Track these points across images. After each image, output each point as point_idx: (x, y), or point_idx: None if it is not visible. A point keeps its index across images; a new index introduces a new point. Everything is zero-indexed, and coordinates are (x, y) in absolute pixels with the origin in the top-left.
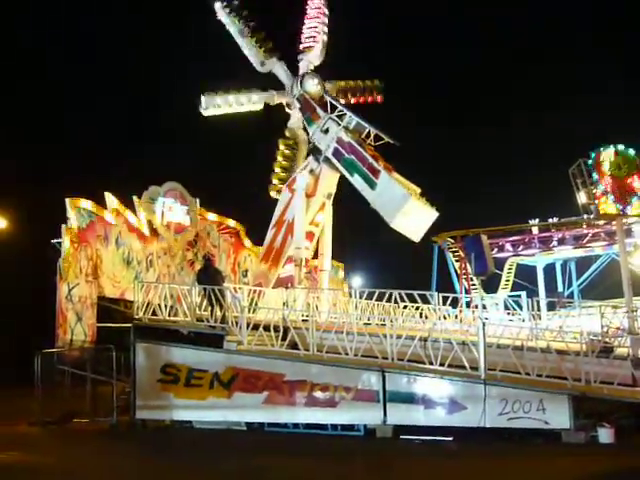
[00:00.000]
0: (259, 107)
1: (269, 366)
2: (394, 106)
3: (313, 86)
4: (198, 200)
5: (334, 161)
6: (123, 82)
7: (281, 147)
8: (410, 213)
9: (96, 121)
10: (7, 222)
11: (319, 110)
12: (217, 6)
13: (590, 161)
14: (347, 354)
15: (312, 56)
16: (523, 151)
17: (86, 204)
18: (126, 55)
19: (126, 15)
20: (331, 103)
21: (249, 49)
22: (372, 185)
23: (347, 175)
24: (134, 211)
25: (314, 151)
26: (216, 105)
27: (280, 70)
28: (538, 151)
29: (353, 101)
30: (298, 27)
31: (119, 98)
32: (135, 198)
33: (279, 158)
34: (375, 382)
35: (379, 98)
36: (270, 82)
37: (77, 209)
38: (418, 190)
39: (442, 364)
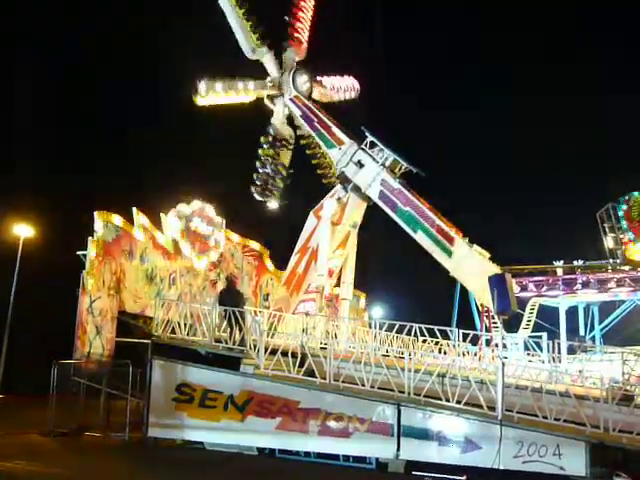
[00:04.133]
0: (253, 97)
1: (284, 392)
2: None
3: (303, 84)
4: (224, 221)
5: (382, 205)
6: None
7: (264, 146)
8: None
9: (125, 135)
10: (35, 231)
11: (339, 133)
12: None
13: (619, 206)
14: (363, 385)
15: (299, 50)
16: (552, 191)
17: (114, 218)
18: None
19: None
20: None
21: (242, 33)
22: (447, 252)
23: (407, 229)
24: (161, 228)
25: (342, 179)
26: (214, 91)
27: (269, 61)
28: (567, 192)
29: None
30: (283, 16)
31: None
32: (162, 215)
33: (262, 157)
34: (390, 415)
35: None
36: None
37: (105, 222)
38: (487, 255)
39: (459, 402)
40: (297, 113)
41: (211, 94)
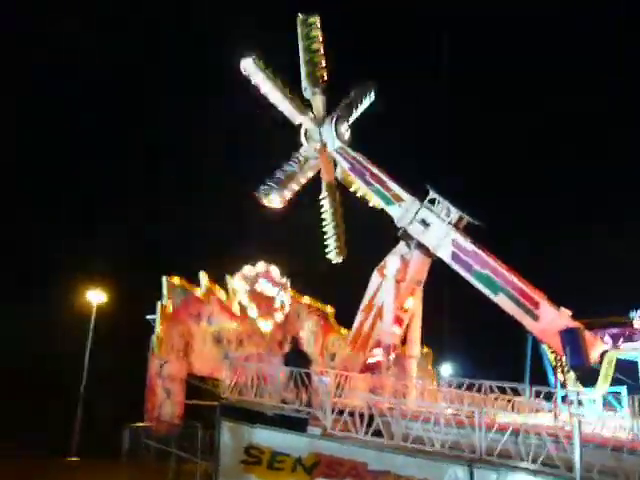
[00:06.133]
0: (288, 110)
1: (352, 453)
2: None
3: (345, 132)
4: (289, 281)
5: (456, 267)
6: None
7: (323, 204)
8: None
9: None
10: (107, 297)
11: (397, 189)
12: (299, 19)
13: None
14: (433, 445)
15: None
16: (624, 241)
17: (181, 282)
18: None
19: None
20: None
21: (307, 68)
22: (533, 316)
23: (486, 292)
24: (226, 290)
25: (405, 237)
26: (261, 69)
27: (318, 104)
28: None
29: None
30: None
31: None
32: (228, 277)
33: (326, 215)
34: (462, 477)
35: None
36: None
37: (172, 287)
38: (569, 313)
39: (534, 461)
40: (345, 166)
41: (258, 70)
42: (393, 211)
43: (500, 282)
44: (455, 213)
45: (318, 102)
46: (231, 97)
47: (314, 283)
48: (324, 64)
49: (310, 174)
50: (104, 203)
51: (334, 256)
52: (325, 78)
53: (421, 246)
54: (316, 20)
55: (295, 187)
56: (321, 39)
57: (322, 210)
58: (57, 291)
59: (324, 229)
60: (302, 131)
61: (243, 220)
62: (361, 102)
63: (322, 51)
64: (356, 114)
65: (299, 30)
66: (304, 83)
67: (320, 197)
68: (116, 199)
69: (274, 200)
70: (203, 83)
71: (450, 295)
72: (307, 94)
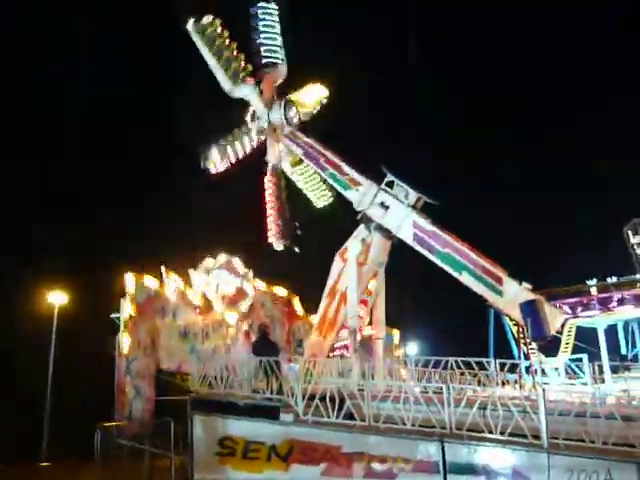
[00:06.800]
0: (257, 139)
1: (326, 438)
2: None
3: (294, 117)
4: (251, 271)
5: (418, 248)
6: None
7: (268, 189)
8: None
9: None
10: (68, 297)
11: (353, 173)
12: (190, 25)
13: None
14: (404, 424)
15: (277, 73)
16: (578, 211)
17: (145, 278)
18: None
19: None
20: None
21: (222, 72)
22: (497, 292)
23: (450, 271)
24: (190, 284)
25: (365, 220)
26: (225, 155)
27: (255, 96)
28: (593, 211)
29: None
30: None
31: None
32: (191, 271)
33: (269, 200)
34: (434, 453)
35: None
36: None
37: (136, 283)
38: (530, 287)
39: (502, 433)
40: (298, 152)
41: (224, 161)
42: (351, 195)
43: (463, 261)
44: (413, 194)
45: (253, 98)
46: None
47: (277, 270)
48: (241, 58)
49: (254, 144)
50: (60, 202)
51: (274, 241)
52: (249, 70)
53: (381, 229)
54: (210, 20)
55: (239, 150)
56: (224, 35)
57: (266, 193)
58: (16, 295)
59: (267, 212)
60: (250, 111)
61: (201, 212)
62: (263, 19)
63: (232, 45)
64: (274, 35)
65: (195, 39)
66: (226, 86)
67: (265, 179)
68: (71, 198)
69: (214, 156)
70: None
71: (412, 275)
72: (236, 94)
